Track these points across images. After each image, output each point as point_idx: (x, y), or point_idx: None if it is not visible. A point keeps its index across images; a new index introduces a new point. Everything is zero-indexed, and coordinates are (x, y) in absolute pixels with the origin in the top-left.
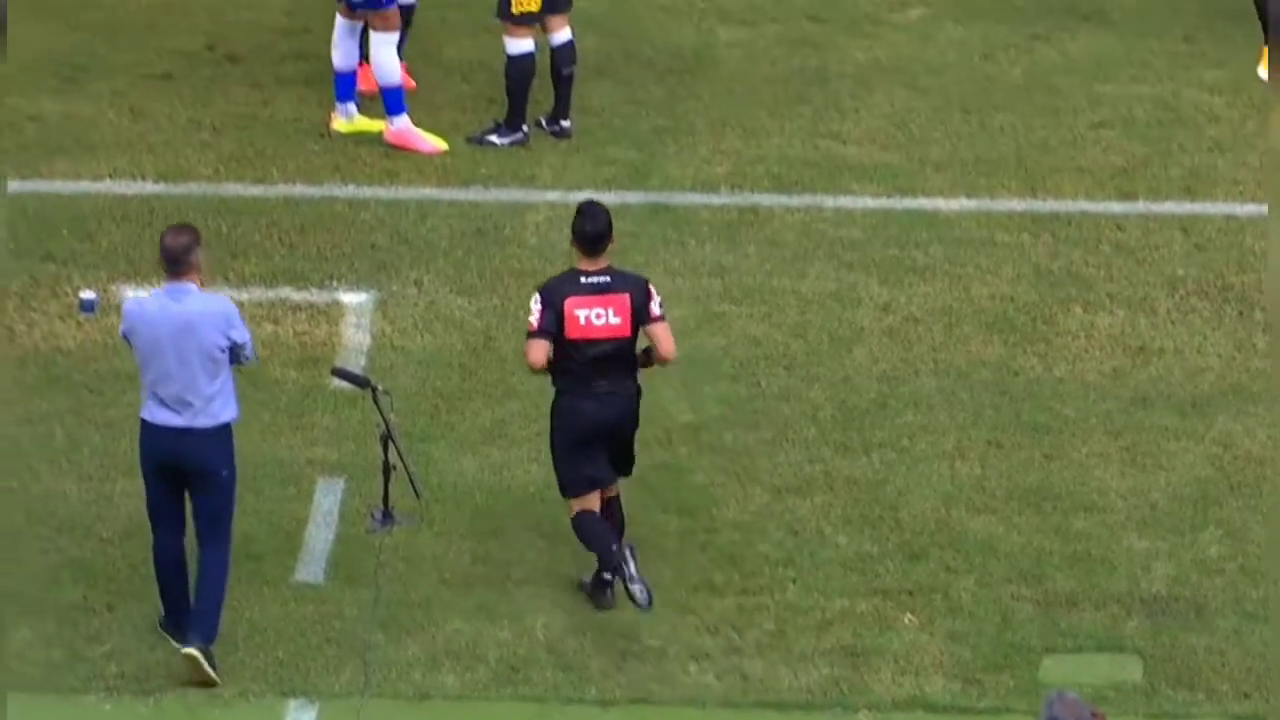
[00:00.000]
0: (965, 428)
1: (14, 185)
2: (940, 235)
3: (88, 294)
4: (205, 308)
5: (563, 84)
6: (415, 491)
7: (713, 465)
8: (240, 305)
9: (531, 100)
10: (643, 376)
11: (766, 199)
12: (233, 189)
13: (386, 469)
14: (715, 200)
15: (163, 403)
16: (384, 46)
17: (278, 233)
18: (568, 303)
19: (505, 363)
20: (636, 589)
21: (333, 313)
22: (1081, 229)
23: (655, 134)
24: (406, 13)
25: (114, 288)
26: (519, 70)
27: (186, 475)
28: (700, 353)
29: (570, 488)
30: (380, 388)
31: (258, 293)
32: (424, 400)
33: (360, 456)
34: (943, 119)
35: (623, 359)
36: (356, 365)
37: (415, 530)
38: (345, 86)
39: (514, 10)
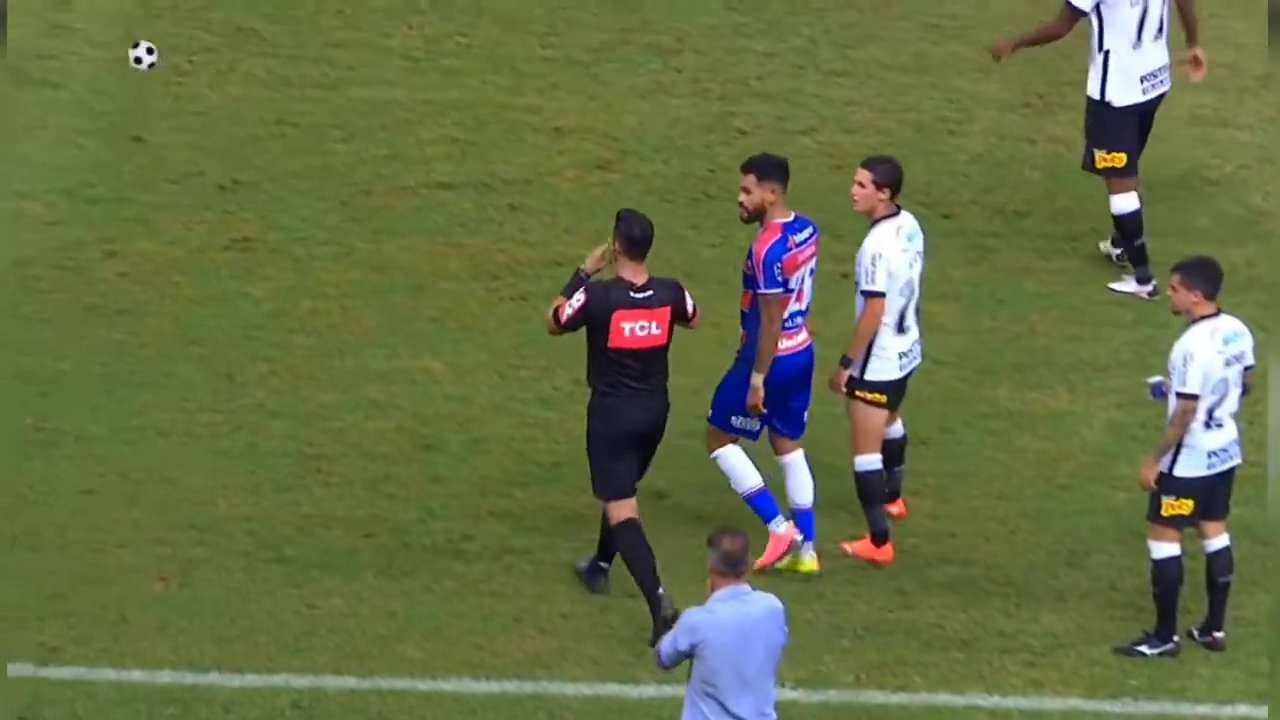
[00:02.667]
0: None
1: (650, 691)
2: None
3: None
4: (767, 605)
5: (1218, 592)
6: None
7: None
8: None
9: (1181, 609)
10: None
11: None
12: (873, 696)
13: None
14: None
15: (729, 712)
16: (728, 457)
17: None
18: (616, 315)
19: None
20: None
21: None
22: None
23: None
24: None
25: None
26: (1167, 576)
27: None
28: None
29: (605, 489)
30: None
31: None
32: None
33: None
34: None
35: (656, 364)
36: None
37: None
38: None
39: (1163, 513)
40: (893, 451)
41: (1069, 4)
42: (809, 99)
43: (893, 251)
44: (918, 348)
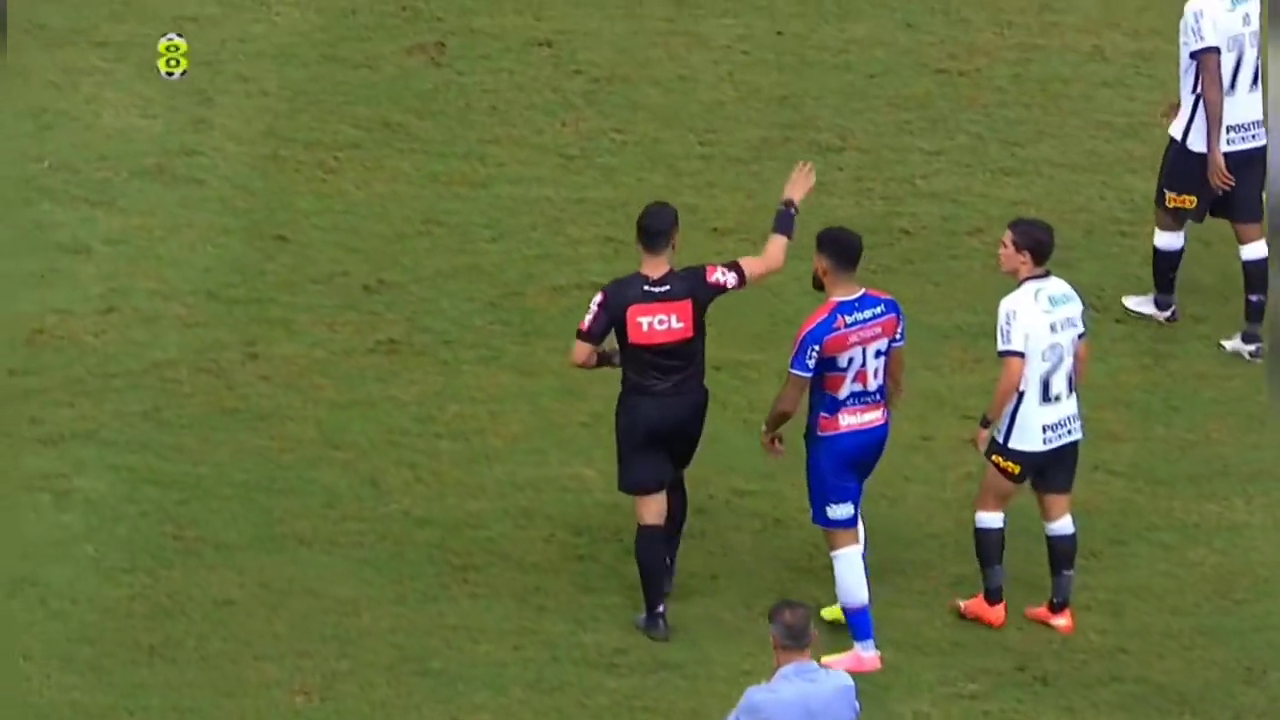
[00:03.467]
0: None
1: None
2: None
3: None
4: (836, 682)
5: None
6: None
7: None
8: None
9: None
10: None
11: None
12: None
13: None
14: None
15: None
16: (841, 561)
17: None
18: (631, 310)
19: None
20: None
21: None
22: None
23: None
24: None
25: None
26: None
27: None
28: None
29: (625, 482)
30: None
31: None
32: None
33: None
34: None
35: (686, 358)
36: None
37: None
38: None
39: None
40: (1061, 553)
41: (1195, 53)
42: (975, 199)
43: (1029, 311)
44: (1075, 423)
